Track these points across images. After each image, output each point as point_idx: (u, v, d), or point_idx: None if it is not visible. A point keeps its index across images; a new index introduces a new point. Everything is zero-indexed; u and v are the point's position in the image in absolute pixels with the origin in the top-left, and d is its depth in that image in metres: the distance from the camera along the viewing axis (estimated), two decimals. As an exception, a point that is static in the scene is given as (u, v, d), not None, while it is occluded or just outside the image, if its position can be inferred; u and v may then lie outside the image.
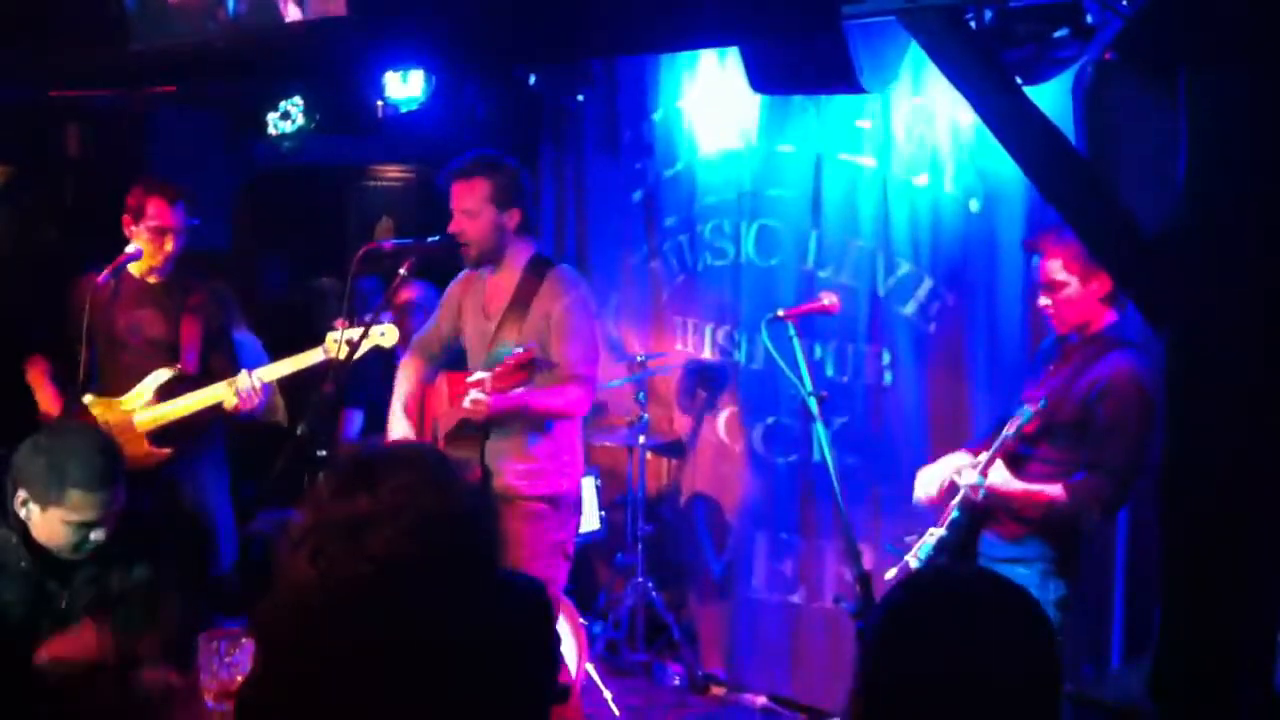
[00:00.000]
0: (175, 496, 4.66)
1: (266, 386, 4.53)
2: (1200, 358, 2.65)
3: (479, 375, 3.82)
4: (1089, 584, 4.06)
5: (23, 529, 2.99)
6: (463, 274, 4.33)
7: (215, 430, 4.76)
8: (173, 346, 4.65)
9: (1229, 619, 2.61)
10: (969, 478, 3.59)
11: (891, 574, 3.68)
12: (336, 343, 4.31)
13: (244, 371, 4.50)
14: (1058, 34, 3.26)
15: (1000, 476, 3.56)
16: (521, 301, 4.07)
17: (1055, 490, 3.50)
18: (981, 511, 3.64)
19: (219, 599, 4.52)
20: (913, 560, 3.65)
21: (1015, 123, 3.12)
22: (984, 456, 3.60)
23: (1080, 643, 3.99)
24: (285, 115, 5.47)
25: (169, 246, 4.60)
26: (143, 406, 4.57)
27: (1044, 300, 3.68)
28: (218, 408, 4.53)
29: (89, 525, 2.97)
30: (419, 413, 4.26)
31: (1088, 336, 3.64)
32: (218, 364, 4.71)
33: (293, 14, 3.83)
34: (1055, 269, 3.61)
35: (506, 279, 4.15)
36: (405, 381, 4.31)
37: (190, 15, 4.33)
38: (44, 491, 2.93)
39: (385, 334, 4.47)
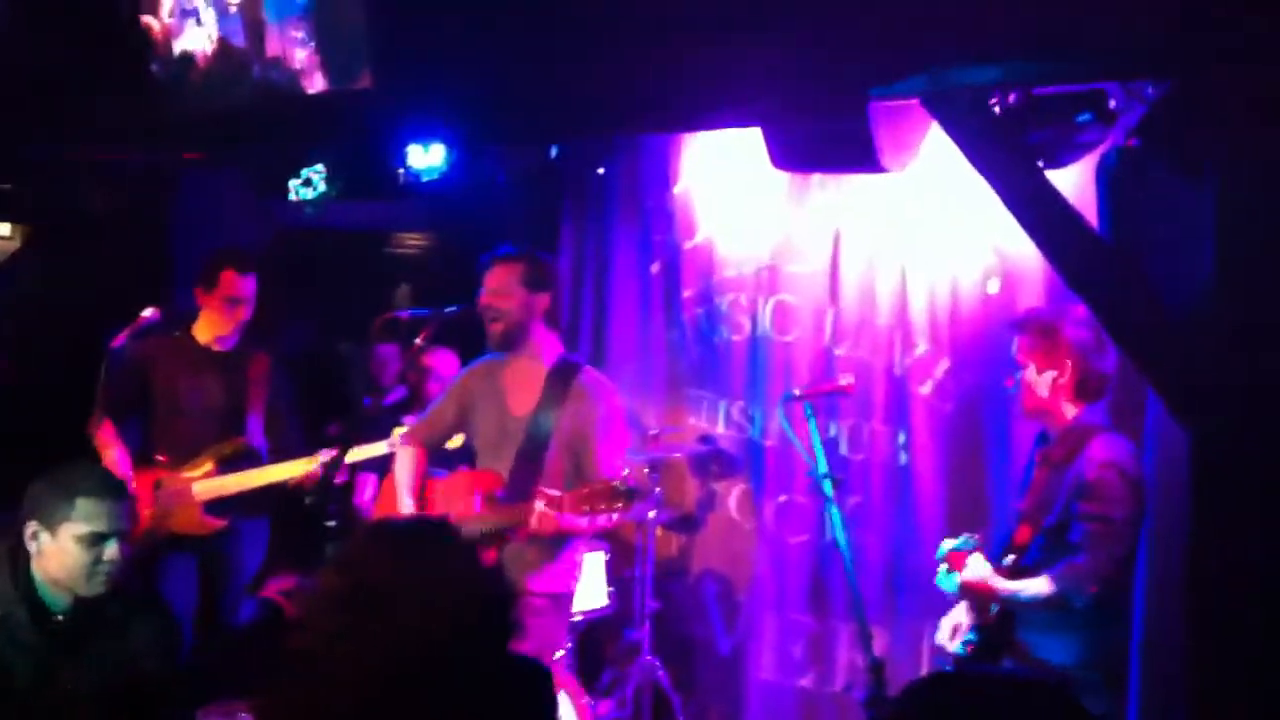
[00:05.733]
0: (212, 561, 4.63)
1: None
2: (1228, 448, 2.60)
3: (552, 492, 3.75)
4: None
5: (30, 596, 2.89)
6: (473, 365, 4.27)
7: (265, 501, 4.71)
8: (234, 416, 4.61)
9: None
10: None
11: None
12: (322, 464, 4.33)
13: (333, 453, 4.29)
14: (1080, 118, 3.26)
15: (976, 573, 3.50)
16: (551, 403, 4.03)
17: (1040, 584, 3.41)
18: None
19: (224, 667, 4.47)
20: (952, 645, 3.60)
21: (1037, 206, 3.11)
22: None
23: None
24: (307, 182, 5.50)
25: (240, 316, 4.60)
26: (203, 476, 4.54)
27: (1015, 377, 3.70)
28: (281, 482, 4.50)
29: (100, 538, 2.85)
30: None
31: (1060, 431, 3.58)
32: (281, 436, 4.68)
33: (318, 84, 3.86)
34: (1019, 350, 3.66)
35: (531, 372, 4.10)
36: (408, 471, 4.17)
37: (217, 81, 4.37)
38: (51, 511, 2.84)
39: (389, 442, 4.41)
